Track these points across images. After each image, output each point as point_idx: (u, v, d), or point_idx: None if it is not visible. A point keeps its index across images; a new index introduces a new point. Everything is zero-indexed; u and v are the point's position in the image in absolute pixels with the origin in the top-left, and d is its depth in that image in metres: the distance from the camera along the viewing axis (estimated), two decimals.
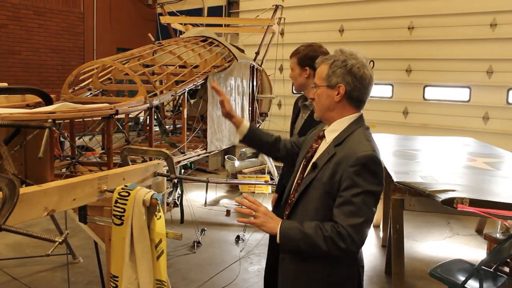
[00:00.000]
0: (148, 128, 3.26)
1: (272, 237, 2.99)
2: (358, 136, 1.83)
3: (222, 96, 2.28)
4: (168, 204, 4.56)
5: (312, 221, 1.76)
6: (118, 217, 1.93)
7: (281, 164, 3.23)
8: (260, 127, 6.02)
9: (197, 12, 9.93)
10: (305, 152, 2.02)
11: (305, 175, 1.90)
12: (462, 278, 3.22)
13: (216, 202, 7.16)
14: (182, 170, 6.17)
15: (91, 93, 3.34)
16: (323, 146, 1.91)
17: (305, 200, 1.85)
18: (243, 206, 1.84)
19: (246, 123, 2.30)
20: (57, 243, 1.40)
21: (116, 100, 3.07)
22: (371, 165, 1.72)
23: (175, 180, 4.93)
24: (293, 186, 1.99)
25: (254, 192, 6.82)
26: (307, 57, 2.78)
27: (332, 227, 1.70)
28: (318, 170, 1.82)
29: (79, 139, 3.04)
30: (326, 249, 1.70)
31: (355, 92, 1.84)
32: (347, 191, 1.71)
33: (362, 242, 1.73)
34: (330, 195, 1.77)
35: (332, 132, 1.89)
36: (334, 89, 1.84)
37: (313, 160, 1.90)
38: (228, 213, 6.48)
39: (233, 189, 7.77)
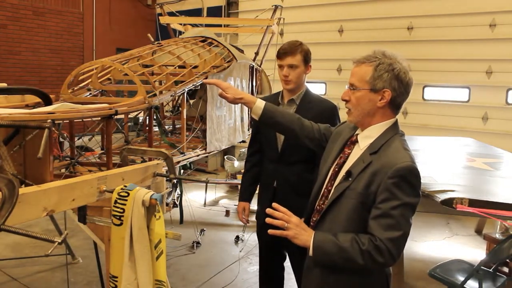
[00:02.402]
0: (147, 128, 3.26)
1: (265, 242, 3.01)
2: (396, 144, 1.74)
3: (221, 87, 2.14)
4: (167, 204, 4.56)
5: (346, 233, 1.70)
6: (118, 217, 1.93)
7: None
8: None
9: (197, 13, 9.93)
10: (334, 155, 1.91)
11: (337, 182, 1.81)
12: (461, 279, 3.22)
13: (215, 203, 7.17)
14: (182, 171, 6.17)
15: (90, 94, 3.34)
16: (356, 152, 1.81)
17: (337, 209, 1.76)
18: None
19: (260, 104, 2.13)
20: (56, 243, 1.40)
21: (115, 101, 3.07)
22: (410, 177, 1.66)
23: (175, 181, 4.94)
24: (322, 192, 1.89)
25: None
26: (309, 53, 2.78)
27: (369, 241, 1.64)
28: (353, 179, 1.73)
29: (78, 139, 3.03)
30: (362, 263, 1.64)
31: (399, 98, 1.75)
32: (385, 203, 1.64)
33: (399, 256, 1.67)
34: (364, 206, 1.70)
35: (366, 138, 1.80)
36: (378, 93, 1.73)
37: (345, 166, 1.81)
38: (227, 213, 6.48)
39: (233, 190, 7.77)
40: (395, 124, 1.81)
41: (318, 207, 1.89)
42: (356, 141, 1.84)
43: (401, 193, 1.64)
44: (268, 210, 1.75)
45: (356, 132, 1.87)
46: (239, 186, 7.33)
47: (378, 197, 1.66)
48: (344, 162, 1.84)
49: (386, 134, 1.77)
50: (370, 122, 1.80)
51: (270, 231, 1.74)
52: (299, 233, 1.72)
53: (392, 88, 1.72)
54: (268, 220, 1.74)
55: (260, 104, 2.14)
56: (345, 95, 1.83)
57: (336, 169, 1.85)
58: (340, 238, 1.68)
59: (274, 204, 1.77)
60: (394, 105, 1.77)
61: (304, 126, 2.16)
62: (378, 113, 1.77)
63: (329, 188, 1.85)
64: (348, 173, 1.76)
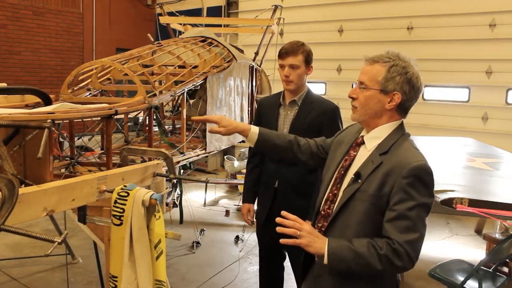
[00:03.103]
0: (147, 128, 3.26)
1: (264, 242, 3.01)
2: (406, 144, 1.71)
3: (212, 121, 2.13)
4: (167, 204, 4.55)
5: (361, 238, 1.64)
6: (117, 217, 1.93)
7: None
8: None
9: (197, 12, 9.93)
10: (339, 159, 1.85)
11: (345, 185, 1.74)
12: (461, 278, 3.22)
13: (215, 203, 7.16)
14: (182, 171, 6.17)
15: (90, 93, 3.34)
16: (363, 154, 1.76)
17: (347, 213, 1.70)
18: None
19: (255, 130, 2.10)
20: (56, 243, 1.40)
21: (115, 100, 3.06)
22: (425, 176, 1.62)
23: (175, 181, 4.94)
24: (326, 196, 1.83)
25: None
26: (311, 54, 2.77)
27: (387, 245, 1.59)
28: (362, 181, 1.67)
29: (78, 139, 3.03)
30: (381, 268, 1.59)
31: (408, 102, 1.72)
32: (400, 204, 1.59)
33: (417, 258, 1.62)
34: (377, 208, 1.64)
35: (373, 139, 1.75)
36: (387, 95, 1.69)
37: (352, 168, 1.75)
38: (227, 213, 6.48)
39: (233, 190, 7.77)
40: (402, 125, 1.77)
41: (322, 212, 1.83)
42: (362, 143, 1.79)
43: (417, 193, 1.60)
44: (278, 219, 1.66)
45: (361, 134, 1.82)
46: (239, 186, 7.39)
47: (392, 199, 1.62)
48: (350, 164, 1.78)
49: (394, 135, 1.73)
50: (377, 123, 1.76)
51: (282, 241, 1.66)
52: (312, 241, 1.63)
53: (403, 91, 1.69)
54: (279, 229, 1.65)
55: (254, 130, 2.10)
56: (353, 93, 1.77)
57: (342, 172, 1.79)
58: (355, 244, 1.62)
59: (283, 212, 1.68)
60: (402, 109, 1.74)
61: (301, 145, 2.11)
62: (385, 115, 1.74)
63: (335, 192, 1.79)
64: (357, 175, 1.70)
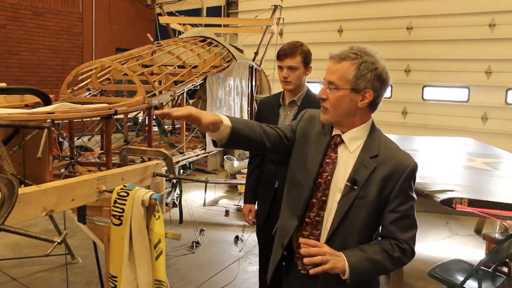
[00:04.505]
0: (147, 128, 3.26)
1: (264, 242, 3.00)
2: (389, 143, 1.71)
3: (194, 119, 1.57)
4: (167, 204, 4.55)
5: (371, 244, 1.68)
6: (117, 217, 1.93)
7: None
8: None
9: (196, 12, 9.94)
10: (317, 160, 1.73)
11: (337, 193, 1.68)
12: (461, 278, 3.22)
13: (215, 203, 7.16)
14: (181, 170, 6.17)
15: (90, 93, 3.34)
16: (346, 156, 1.70)
17: (348, 222, 1.66)
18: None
19: (227, 122, 1.64)
20: (56, 243, 1.39)
21: (115, 100, 3.07)
22: (416, 175, 1.69)
23: (174, 181, 4.94)
24: (311, 202, 1.74)
25: None
26: (310, 55, 2.77)
27: (397, 246, 1.64)
28: (359, 187, 1.64)
29: (78, 139, 3.03)
30: (392, 268, 1.69)
31: (379, 98, 1.67)
32: (403, 205, 1.64)
33: None
34: (379, 212, 1.67)
35: (354, 140, 1.70)
36: (359, 93, 1.62)
37: (338, 172, 1.69)
38: (227, 213, 6.48)
39: (232, 189, 7.77)
40: (373, 122, 1.75)
41: (308, 219, 1.75)
42: (341, 143, 1.72)
43: (411, 192, 1.67)
44: (304, 251, 1.60)
45: (336, 133, 1.74)
46: (238, 186, 7.38)
47: (394, 201, 1.64)
48: (334, 168, 1.71)
49: (373, 134, 1.71)
50: (351, 122, 1.69)
51: (312, 271, 1.60)
52: (336, 261, 1.59)
53: (374, 88, 1.63)
54: (307, 260, 1.60)
55: (226, 121, 1.64)
56: (323, 93, 1.67)
57: (329, 177, 1.70)
58: (369, 251, 1.64)
59: (302, 240, 1.65)
60: (373, 105, 1.69)
61: (268, 133, 1.80)
62: (358, 113, 1.68)
63: (323, 198, 1.72)
64: (354, 182, 1.65)
